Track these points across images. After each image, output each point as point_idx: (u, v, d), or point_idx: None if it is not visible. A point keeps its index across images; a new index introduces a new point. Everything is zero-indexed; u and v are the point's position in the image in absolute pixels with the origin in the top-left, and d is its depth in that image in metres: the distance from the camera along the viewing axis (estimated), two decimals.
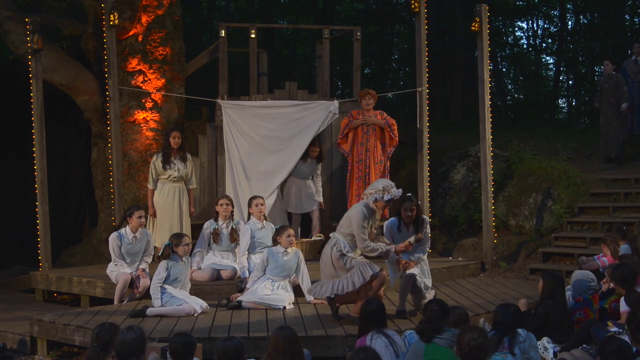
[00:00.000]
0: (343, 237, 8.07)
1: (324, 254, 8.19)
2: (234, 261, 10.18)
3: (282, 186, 12.24)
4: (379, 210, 8.08)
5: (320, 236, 11.66)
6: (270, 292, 8.95)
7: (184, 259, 8.99)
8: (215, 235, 10.22)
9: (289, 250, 9.08)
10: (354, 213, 7.98)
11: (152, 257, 10.13)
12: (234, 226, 10.29)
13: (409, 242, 8.23)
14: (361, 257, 8.23)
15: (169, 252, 8.88)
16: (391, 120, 11.80)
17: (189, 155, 11.29)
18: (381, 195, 7.96)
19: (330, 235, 8.38)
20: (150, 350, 6.17)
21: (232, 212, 10.39)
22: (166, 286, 8.75)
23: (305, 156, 12.06)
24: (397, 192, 8.02)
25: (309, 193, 12.13)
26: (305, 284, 9.18)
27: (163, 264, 8.83)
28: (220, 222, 10.29)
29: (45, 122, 11.51)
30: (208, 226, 10.32)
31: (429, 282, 8.67)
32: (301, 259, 9.20)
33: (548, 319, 7.34)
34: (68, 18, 13.86)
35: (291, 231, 9.23)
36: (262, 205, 10.14)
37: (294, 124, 12.11)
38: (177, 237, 9.07)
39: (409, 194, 8.57)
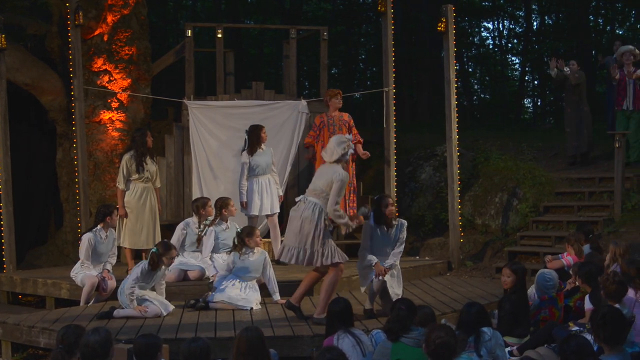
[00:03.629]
0: (323, 202, 7.95)
1: (304, 218, 7.92)
2: (200, 261, 10.13)
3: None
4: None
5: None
6: (239, 292, 8.93)
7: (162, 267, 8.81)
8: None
9: (255, 250, 9.07)
10: (337, 177, 7.86)
11: (116, 257, 10.06)
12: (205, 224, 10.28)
13: (362, 216, 8.42)
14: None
15: (157, 260, 8.56)
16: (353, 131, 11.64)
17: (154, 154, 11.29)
18: (346, 150, 8.03)
19: (302, 199, 8.13)
20: (116, 352, 6.12)
21: None
22: (135, 290, 8.61)
23: (256, 145, 10.98)
24: (349, 138, 8.20)
25: (273, 191, 11.11)
26: (272, 284, 9.20)
27: (140, 270, 8.54)
28: (196, 223, 10.27)
29: (9, 122, 11.39)
30: (184, 227, 10.22)
31: (399, 291, 8.65)
32: (267, 259, 9.18)
33: (515, 316, 7.39)
34: (32, 17, 13.74)
35: (258, 232, 9.26)
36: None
37: (261, 124, 12.05)
38: (166, 248, 8.66)
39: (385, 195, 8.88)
